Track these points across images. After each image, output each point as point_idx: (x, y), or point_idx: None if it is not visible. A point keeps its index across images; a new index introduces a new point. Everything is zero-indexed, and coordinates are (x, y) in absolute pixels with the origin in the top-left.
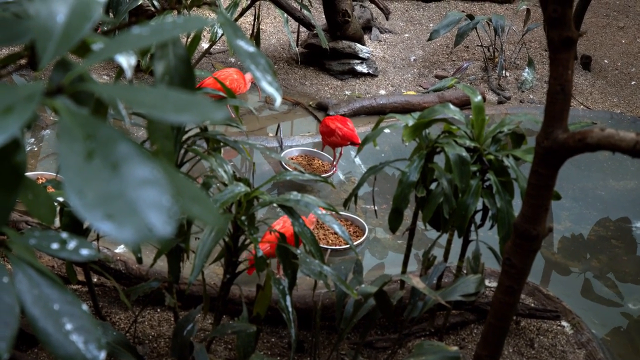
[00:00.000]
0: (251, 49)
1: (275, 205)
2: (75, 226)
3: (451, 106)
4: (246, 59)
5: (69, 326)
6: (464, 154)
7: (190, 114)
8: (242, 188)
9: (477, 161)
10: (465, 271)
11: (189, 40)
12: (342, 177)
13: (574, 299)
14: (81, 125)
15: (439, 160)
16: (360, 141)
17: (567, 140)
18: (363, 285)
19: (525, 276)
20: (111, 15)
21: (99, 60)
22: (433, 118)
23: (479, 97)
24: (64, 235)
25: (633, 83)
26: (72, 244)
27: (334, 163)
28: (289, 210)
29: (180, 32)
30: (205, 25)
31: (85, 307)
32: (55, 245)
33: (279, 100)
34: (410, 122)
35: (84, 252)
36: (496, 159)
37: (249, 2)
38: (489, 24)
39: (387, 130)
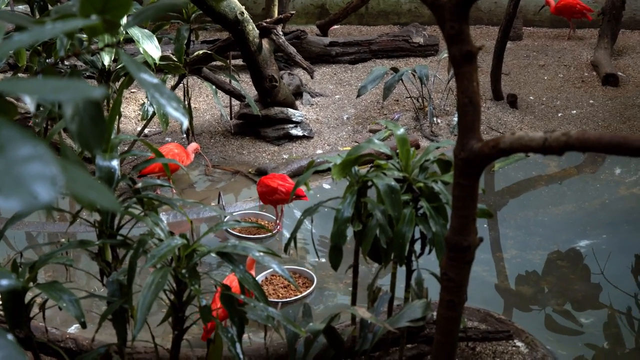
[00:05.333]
0: (155, 80)
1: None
2: (16, 305)
3: (376, 140)
4: (150, 88)
5: None
6: (393, 183)
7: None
8: (178, 241)
9: (408, 190)
10: (411, 299)
11: (110, 107)
12: (287, 235)
13: (527, 320)
14: None
15: (372, 194)
16: (304, 192)
17: (482, 148)
18: (311, 324)
19: (463, 288)
20: None
21: None
22: (360, 154)
23: (402, 130)
24: None
25: (560, 115)
26: None
27: (277, 222)
28: (228, 257)
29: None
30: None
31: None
32: None
33: (185, 123)
34: (339, 161)
35: (4, 282)
36: (426, 186)
37: (176, 79)
38: (414, 75)
39: (326, 186)
